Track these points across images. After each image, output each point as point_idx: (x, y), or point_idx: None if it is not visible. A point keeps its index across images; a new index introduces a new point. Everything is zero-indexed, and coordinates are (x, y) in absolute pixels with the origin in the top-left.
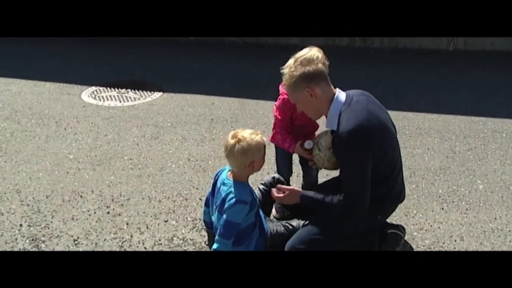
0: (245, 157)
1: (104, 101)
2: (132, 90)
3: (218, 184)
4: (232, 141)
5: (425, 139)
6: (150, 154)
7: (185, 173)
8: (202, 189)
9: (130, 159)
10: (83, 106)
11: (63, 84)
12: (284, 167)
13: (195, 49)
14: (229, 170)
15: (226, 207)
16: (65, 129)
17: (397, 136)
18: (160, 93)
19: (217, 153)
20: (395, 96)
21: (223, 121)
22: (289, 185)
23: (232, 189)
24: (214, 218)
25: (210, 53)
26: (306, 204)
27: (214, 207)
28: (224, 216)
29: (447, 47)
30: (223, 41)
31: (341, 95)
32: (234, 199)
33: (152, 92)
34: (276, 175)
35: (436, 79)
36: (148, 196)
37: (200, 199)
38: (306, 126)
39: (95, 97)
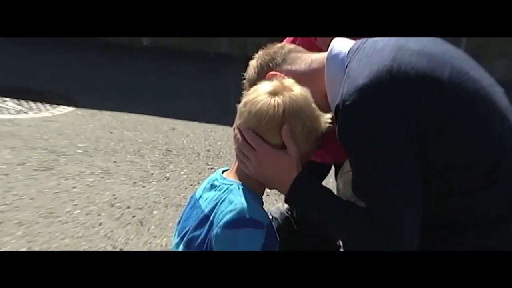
0: (281, 121)
1: None
2: (19, 100)
3: (199, 193)
4: (264, 89)
5: None
6: (30, 192)
7: (99, 224)
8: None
9: None
10: None
11: None
12: None
13: (151, 58)
14: (225, 171)
15: (217, 234)
16: None
17: None
18: (71, 108)
19: (173, 199)
20: None
21: (190, 155)
22: None
23: (232, 195)
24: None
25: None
26: (303, 202)
27: (177, 235)
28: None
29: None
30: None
31: (339, 45)
32: (235, 214)
33: (56, 105)
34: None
35: None
36: None
37: None
38: None
39: None
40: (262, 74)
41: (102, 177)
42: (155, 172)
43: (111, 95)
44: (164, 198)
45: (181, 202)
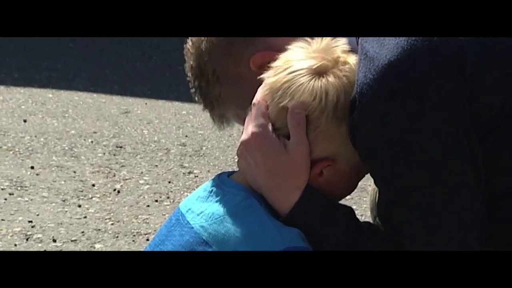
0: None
1: None
2: None
3: (186, 205)
4: (306, 63)
5: None
6: None
7: None
8: None
9: None
10: None
11: None
12: None
13: None
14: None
15: None
16: None
17: None
18: None
19: (127, 225)
20: None
21: (154, 152)
22: None
23: (249, 217)
24: None
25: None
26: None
27: None
28: None
29: None
30: None
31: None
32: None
33: None
34: None
35: None
36: None
37: None
38: None
39: None
40: None
41: (11, 193)
42: (97, 183)
43: (24, 63)
44: (112, 224)
45: (140, 229)
